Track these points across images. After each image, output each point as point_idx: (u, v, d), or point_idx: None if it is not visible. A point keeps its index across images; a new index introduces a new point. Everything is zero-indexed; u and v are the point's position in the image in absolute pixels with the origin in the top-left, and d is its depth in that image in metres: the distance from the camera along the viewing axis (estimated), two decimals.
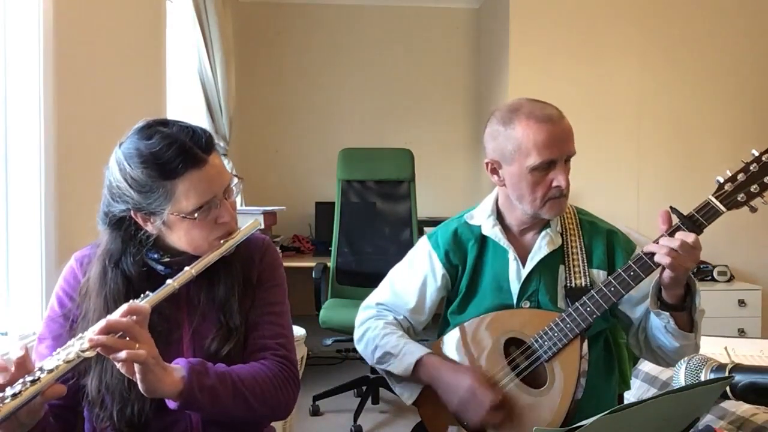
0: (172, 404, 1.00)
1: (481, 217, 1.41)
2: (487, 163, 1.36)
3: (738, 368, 1.13)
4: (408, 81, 4.71)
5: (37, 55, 1.61)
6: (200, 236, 1.09)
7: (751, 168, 1.15)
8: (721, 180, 1.16)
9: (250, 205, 3.77)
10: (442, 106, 4.69)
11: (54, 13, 1.65)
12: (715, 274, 3.81)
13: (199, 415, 1.09)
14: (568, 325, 1.22)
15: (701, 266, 3.86)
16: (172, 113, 2.81)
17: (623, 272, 1.20)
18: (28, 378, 0.89)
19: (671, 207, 1.19)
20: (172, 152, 1.03)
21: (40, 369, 0.90)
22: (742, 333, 3.61)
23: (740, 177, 1.15)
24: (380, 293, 1.50)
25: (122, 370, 0.95)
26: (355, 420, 2.88)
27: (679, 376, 1.21)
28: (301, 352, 2.43)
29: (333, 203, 3.51)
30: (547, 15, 3.94)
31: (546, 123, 1.25)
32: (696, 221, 1.16)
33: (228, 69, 3.50)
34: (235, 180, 1.15)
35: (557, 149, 1.25)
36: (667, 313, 1.19)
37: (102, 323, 0.94)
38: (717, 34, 3.96)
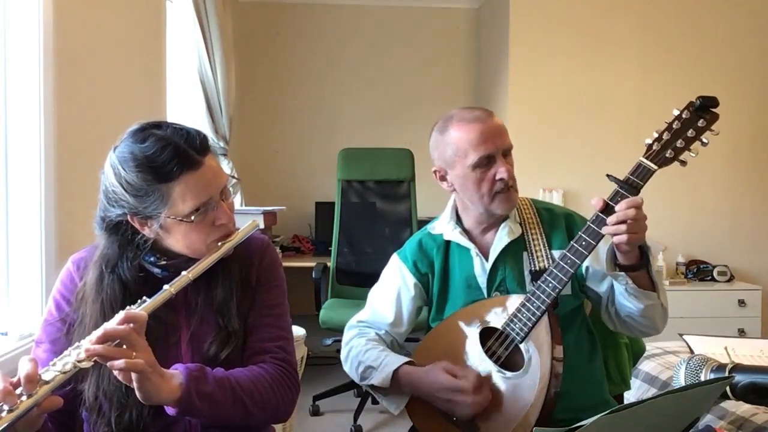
0: (170, 411, 0.99)
1: (442, 226, 1.48)
2: (435, 172, 1.44)
3: (738, 368, 1.13)
4: (408, 81, 4.71)
5: (37, 55, 1.61)
6: (198, 239, 1.08)
7: (674, 126, 1.23)
8: (649, 141, 1.24)
9: (250, 205, 3.77)
10: (442, 106, 4.66)
11: (54, 13, 1.65)
12: (715, 274, 3.81)
13: None
14: (534, 304, 1.25)
15: (701, 266, 3.87)
16: (172, 113, 2.81)
17: (575, 243, 1.24)
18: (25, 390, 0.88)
19: (608, 174, 1.26)
20: (167, 155, 1.02)
21: (38, 380, 0.89)
22: (742, 333, 3.61)
23: (665, 135, 1.23)
24: (362, 312, 1.56)
25: (120, 378, 0.94)
26: (355, 420, 2.89)
27: (679, 376, 1.21)
28: (301, 352, 2.43)
29: (333, 203, 3.51)
30: (547, 15, 3.94)
31: (475, 122, 1.34)
32: (632, 183, 1.23)
33: (228, 69, 3.50)
34: (233, 181, 1.14)
35: (492, 143, 1.33)
36: (623, 274, 1.23)
37: (99, 332, 0.93)
38: (717, 34, 3.97)
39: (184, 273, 1.04)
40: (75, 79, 1.80)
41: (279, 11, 4.64)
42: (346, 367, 1.48)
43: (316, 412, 3.11)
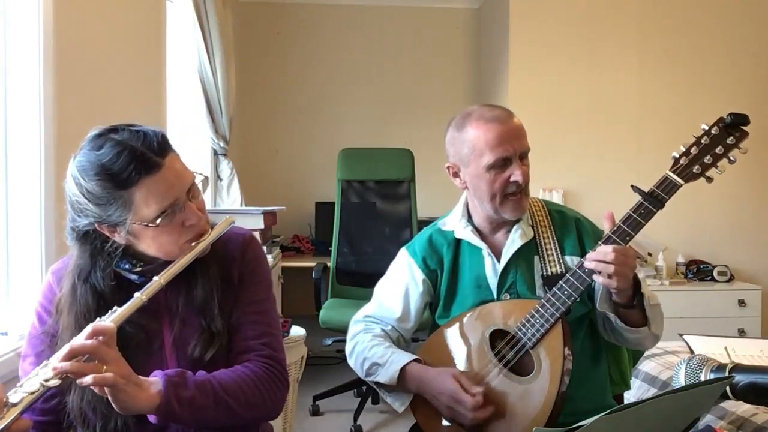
0: (152, 418, 0.97)
1: (453, 223, 1.47)
2: (448, 167, 1.43)
3: (738, 368, 1.13)
4: (408, 81, 4.71)
5: (37, 55, 1.61)
6: (169, 241, 1.05)
7: (703, 141, 1.21)
8: (677, 155, 1.23)
9: (250, 205, 3.77)
10: (442, 106, 4.69)
11: (54, 13, 1.65)
12: (715, 274, 3.81)
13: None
14: (548, 310, 1.25)
15: (701, 266, 3.87)
16: (172, 113, 2.81)
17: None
18: None
19: (632, 185, 1.24)
20: (123, 160, 0.98)
21: (5, 403, 0.87)
22: (742, 333, 3.61)
23: (693, 150, 1.21)
24: (368, 306, 1.54)
25: (95, 390, 0.93)
26: (355, 420, 2.89)
27: (679, 376, 1.21)
28: (301, 352, 2.43)
29: (333, 203, 3.51)
30: (547, 15, 3.94)
31: (495, 122, 1.32)
32: (657, 196, 1.21)
33: (228, 69, 3.50)
34: (200, 178, 1.12)
35: (510, 146, 1.31)
36: (614, 315, 1.26)
37: (65, 349, 0.91)
38: (716, 34, 3.97)
39: (155, 278, 1.01)
40: (75, 79, 1.80)
41: (279, 11, 4.64)
42: (351, 362, 1.46)
43: (316, 412, 3.11)
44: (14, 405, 0.87)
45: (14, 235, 1.64)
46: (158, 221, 1.02)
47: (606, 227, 1.25)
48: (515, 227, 1.39)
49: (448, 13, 4.73)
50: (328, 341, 3.42)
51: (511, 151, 1.31)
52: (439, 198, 4.54)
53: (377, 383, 1.38)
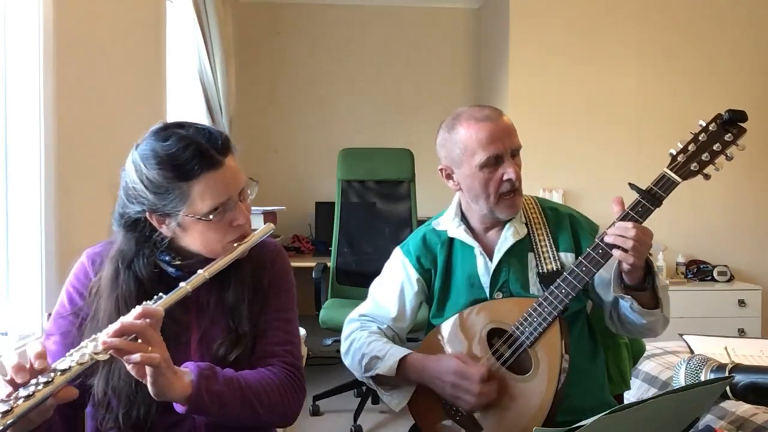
0: (179, 408, 0.99)
1: (447, 222, 1.47)
2: (441, 170, 1.43)
3: (738, 368, 1.14)
4: (408, 81, 4.71)
5: (37, 55, 1.61)
6: (215, 238, 1.10)
7: (700, 138, 1.21)
8: (674, 152, 1.22)
9: (250, 205, 3.77)
10: (442, 106, 4.69)
11: (54, 13, 1.65)
12: (715, 274, 3.81)
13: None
14: (546, 309, 1.25)
15: (701, 266, 3.87)
16: (172, 113, 2.81)
17: (591, 251, 1.24)
18: (42, 378, 0.88)
19: (630, 183, 1.23)
20: (189, 153, 1.04)
21: (53, 370, 0.89)
22: (742, 333, 3.61)
23: (691, 147, 1.21)
24: (363, 306, 1.55)
25: (133, 373, 0.95)
26: (355, 420, 2.89)
27: (679, 376, 1.21)
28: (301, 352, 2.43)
29: (333, 203, 3.51)
30: (547, 15, 3.94)
31: (485, 121, 1.33)
32: (655, 194, 1.20)
33: (228, 69, 3.50)
34: (253, 184, 1.16)
35: (501, 144, 1.32)
36: (630, 297, 1.23)
37: (116, 325, 0.93)
38: (717, 33, 3.97)
39: (200, 271, 1.04)
40: (75, 78, 1.80)
41: (279, 11, 4.64)
42: (347, 360, 1.46)
43: (316, 412, 3.11)
44: (63, 372, 0.89)
45: (14, 235, 1.64)
46: (211, 216, 1.06)
47: (615, 211, 1.24)
48: (507, 225, 1.40)
49: (448, 13, 4.73)
50: (328, 341, 3.41)
51: (503, 148, 1.32)
52: (439, 198, 4.53)
53: (376, 380, 1.39)
